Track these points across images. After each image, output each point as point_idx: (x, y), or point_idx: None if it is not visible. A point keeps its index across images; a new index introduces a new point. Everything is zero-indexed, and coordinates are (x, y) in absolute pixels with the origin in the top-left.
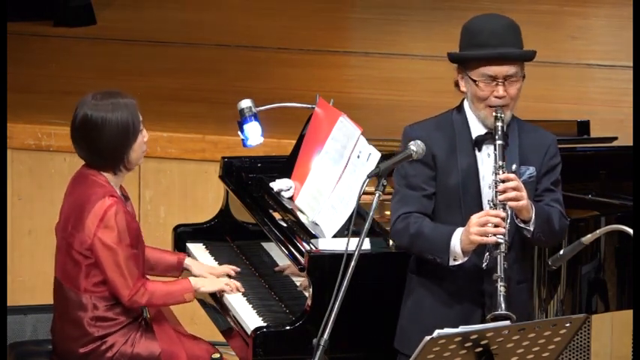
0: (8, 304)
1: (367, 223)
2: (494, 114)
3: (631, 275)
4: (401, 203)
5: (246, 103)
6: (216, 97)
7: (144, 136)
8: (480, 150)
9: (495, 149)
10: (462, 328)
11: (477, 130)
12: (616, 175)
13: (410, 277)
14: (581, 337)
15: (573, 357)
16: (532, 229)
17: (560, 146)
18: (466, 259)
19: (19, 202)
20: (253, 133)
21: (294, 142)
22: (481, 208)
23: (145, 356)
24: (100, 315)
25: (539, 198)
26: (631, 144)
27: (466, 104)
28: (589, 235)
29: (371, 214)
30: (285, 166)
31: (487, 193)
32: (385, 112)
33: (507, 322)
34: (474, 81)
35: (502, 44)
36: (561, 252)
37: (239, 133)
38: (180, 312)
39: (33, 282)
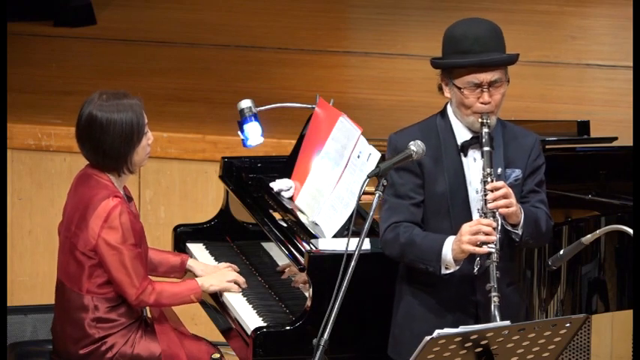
0: (8, 304)
1: (367, 223)
2: (480, 120)
3: (631, 275)
4: (390, 212)
5: (246, 103)
6: (216, 97)
7: (148, 138)
8: (465, 155)
9: (482, 156)
10: (462, 328)
11: (461, 135)
12: (616, 175)
13: (400, 285)
14: (581, 337)
15: (573, 357)
16: (521, 232)
17: (560, 146)
18: (458, 267)
19: (19, 202)
20: (253, 133)
21: (294, 142)
22: (469, 214)
23: (145, 357)
24: (101, 316)
25: (525, 199)
26: (631, 144)
27: (450, 109)
28: (589, 236)
29: (371, 214)
30: (285, 166)
31: (474, 198)
32: (385, 112)
33: (507, 323)
34: (459, 88)
35: (486, 50)
36: (561, 252)
37: (239, 133)
38: (181, 312)
39: (33, 282)
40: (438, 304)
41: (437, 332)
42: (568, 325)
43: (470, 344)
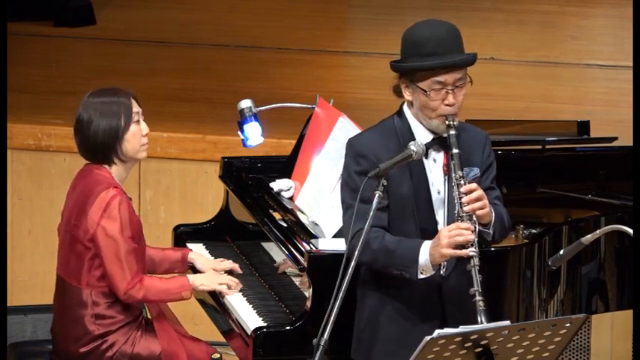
0: (8, 304)
1: (367, 224)
2: (446, 122)
3: (631, 275)
4: (356, 218)
5: (246, 104)
6: (216, 97)
7: (140, 129)
8: (427, 157)
9: (452, 159)
10: (462, 328)
11: (421, 136)
12: (616, 175)
13: (363, 289)
14: (581, 337)
15: (573, 357)
16: (492, 232)
17: (560, 146)
18: (434, 272)
19: (19, 202)
20: (253, 133)
21: (294, 142)
22: (433, 215)
23: (145, 356)
24: (100, 312)
25: None
26: (631, 144)
27: (407, 110)
28: (589, 236)
29: (371, 214)
30: (285, 166)
31: (437, 199)
32: (384, 112)
33: (507, 323)
34: (424, 91)
35: (449, 51)
36: (561, 252)
37: (239, 133)
38: (181, 312)
39: (33, 282)
40: (404, 308)
41: (437, 332)
42: (568, 325)
43: (470, 344)
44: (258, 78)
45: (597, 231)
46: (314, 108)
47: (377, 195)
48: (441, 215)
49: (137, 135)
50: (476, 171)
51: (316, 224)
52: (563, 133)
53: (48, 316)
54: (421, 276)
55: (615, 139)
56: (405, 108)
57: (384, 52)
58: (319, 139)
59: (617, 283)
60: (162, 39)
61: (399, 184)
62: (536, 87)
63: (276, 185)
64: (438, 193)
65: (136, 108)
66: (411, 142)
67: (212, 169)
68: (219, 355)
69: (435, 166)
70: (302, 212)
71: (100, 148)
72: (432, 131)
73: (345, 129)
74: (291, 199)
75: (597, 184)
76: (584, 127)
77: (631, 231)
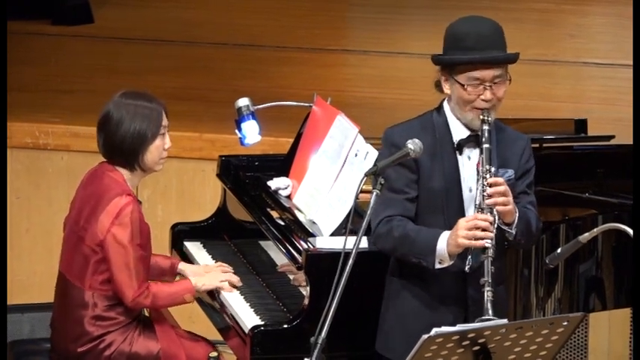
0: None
1: (365, 222)
2: (481, 117)
3: (628, 274)
4: (383, 206)
5: (243, 102)
6: (214, 95)
7: (164, 142)
8: (461, 153)
9: (482, 152)
10: (459, 327)
11: (458, 132)
12: (613, 173)
13: (390, 281)
14: (578, 336)
15: (571, 355)
16: (514, 232)
17: (557, 144)
18: (452, 262)
19: (16, 201)
20: (251, 132)
21: (291, 140)
22: (462, 211)
23: (144, 355)
24: (99, 314)
25: (515, 200)
26: (628, 142)
27: (446, 106)
28: (586, 234)
29: (369, 212)
30: (282, 164)
31: (468, 197)
32: (383, 111)
33: (505, 321)
34: (462, 85)
35: (489, 47)
36: (559, 250)
37: (237, 131)
38: (179, 311)
39: (30, 281)
40: (430, 301)
41: (434, 331)
42: (565, 323)
43: (467, 342)
44: (256, 77)
45: (595, 229)
46: (312, 106)
47: (374, 193)
48: (471, 212)
49: (160, 148)
50: (510, 173)
51: (314, 223)
52: (561, 131)
53: (45, 315)
54: (438, 266)
55: (612, 137)
56: (445, 103)
57: (383, 51)
58: (317, 138)
59: (614, 282)
60: (161, 37)
61: (430, 178)
62: (534, 85)
63: (274, 184)
64: (470, 190)
65: (165, 121)
66: (409, 141)
67: (209, 167)
68: (216, 354)
69: (468, 163)
70: (299, 211)
71: (125, 150)
72: (468, 127)
73: (342, 127)
74: (288, 197)
75: (595, 182)
76: (581, 125)
77: (629, 229)
